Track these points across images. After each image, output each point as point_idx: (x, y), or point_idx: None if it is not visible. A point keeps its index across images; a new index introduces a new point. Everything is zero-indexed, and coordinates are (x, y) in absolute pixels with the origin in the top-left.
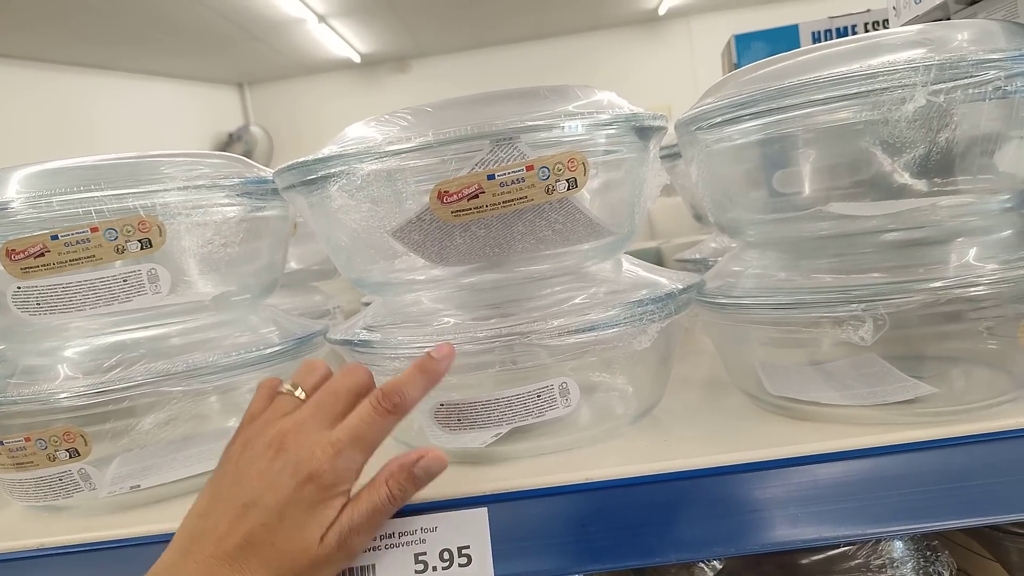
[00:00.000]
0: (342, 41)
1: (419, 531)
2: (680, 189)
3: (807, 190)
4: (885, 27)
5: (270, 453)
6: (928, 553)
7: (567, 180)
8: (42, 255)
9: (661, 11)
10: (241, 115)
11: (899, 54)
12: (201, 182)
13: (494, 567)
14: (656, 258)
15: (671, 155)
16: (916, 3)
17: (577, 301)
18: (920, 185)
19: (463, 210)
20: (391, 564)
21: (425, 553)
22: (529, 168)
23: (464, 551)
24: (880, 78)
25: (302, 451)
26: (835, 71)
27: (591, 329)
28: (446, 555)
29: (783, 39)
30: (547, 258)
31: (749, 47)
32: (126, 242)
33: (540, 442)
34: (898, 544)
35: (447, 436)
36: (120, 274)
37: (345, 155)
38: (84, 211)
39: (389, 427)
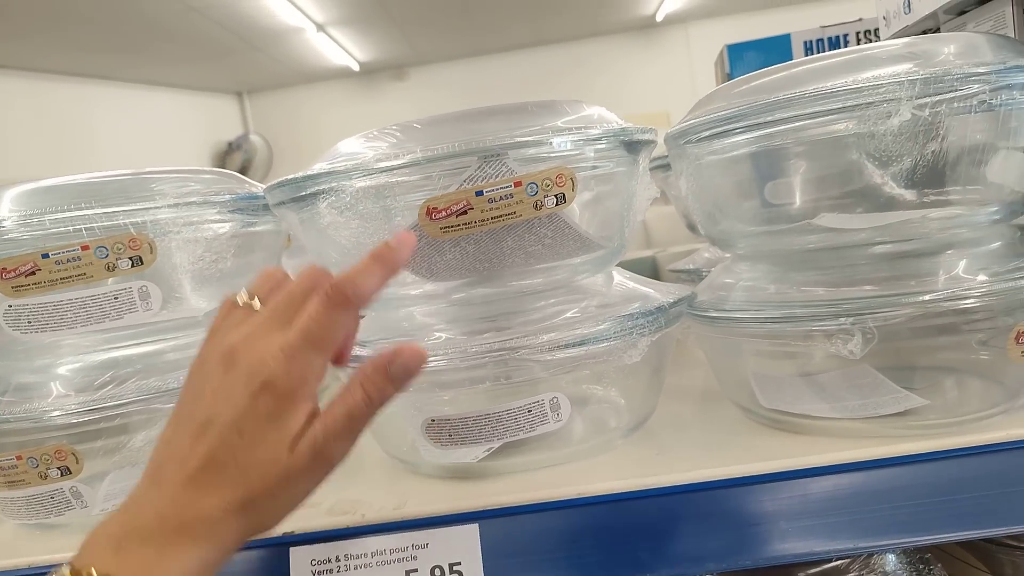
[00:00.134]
0: (341, 50)
1: (410, 547)
2: (673, 199)
3: (796, 203)
4: (877, 36)
5: (221, 368)
6: (921, 566)
7: (555, 196)
8: (33, 273)
9: (659, 17)
10: (240, 124)
11: (886, 68)
12: (192, 199)
13: None
14: (652, 267)
15: (663, 166)
16: (906, 13)
17: (568, 315)
18: (909, 197)
19: (452, 226)
20: None
21: (416, 570)
22: (517, 184)
23: (455, 568)
24: (865, 93)
25: (253, 360)
26: (821, 86)
27: (582, 344)
28: (437, 572)
29: (776, 49)
30: (538, 272)
31: (742, 57)
32: (117, 260)
33: (532, 456)
34: (891, 558)
35: (438, 451)
36: (111, 292)
37: (334, 172)
38: (75, 229)
39: (345, 323)
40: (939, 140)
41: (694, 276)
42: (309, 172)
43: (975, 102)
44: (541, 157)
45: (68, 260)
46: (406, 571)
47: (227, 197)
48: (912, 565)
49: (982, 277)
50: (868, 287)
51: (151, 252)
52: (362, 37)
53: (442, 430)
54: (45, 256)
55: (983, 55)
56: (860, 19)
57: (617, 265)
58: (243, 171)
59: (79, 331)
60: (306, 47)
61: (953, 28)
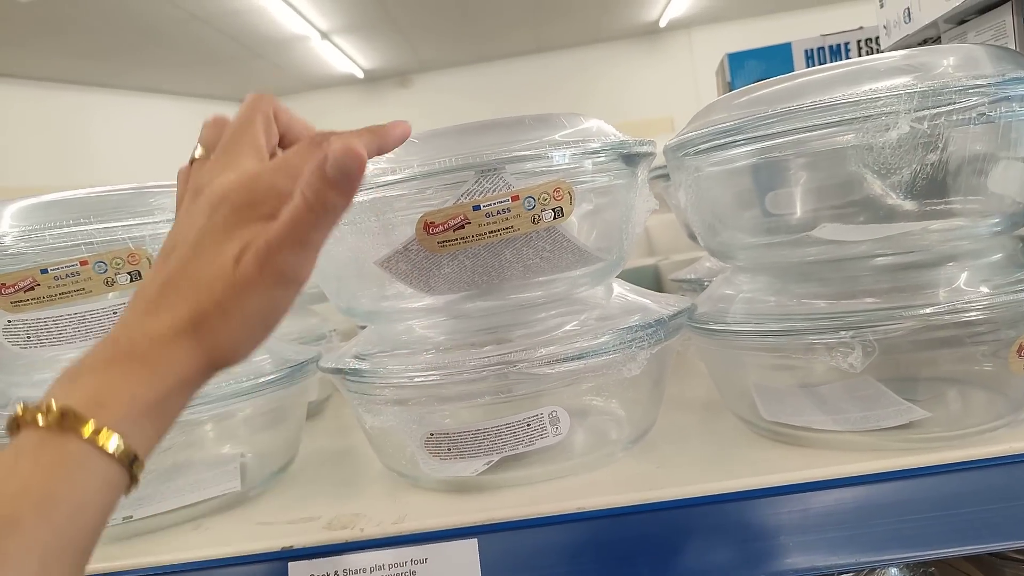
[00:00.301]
0: (345, 57)
1: (409, 563)
2: (674, 209)
3: (796, 216)
4: (877, 44)
5: (188, 200)
6: None
7: (553, 210)
8: (32, 289)
9: (662, 23)
10: None
11: (885, 81)
12: None
13: None
14: (654, 276)
15: (663, 175)
16: (906, 23)
17: (568, 328)
18: (909, 209)
19: (449, 240)
20: None
21: None
22: (514, 198)
23: None
24: (864, 105)
25: (214, 183)
26: (820, 99)
27: (581, 357)
28: None
29: (776, 57)
30: (537, 285)
31: (743, 65)
32: (116, 275)
33: (532, 470)
34: (893, 572)
35: (438, 465)
36: (110, 307)
37: None
38: (73, 244)
39: (315, 159)
40: (939, 152)
41: (696, 286)
42: None
43: (974, 114)
44: (539, 171)
45: (67, 275)
46: None
47: None
48: None
49: (984, 289)
50: (869, 299)
51: (150, 267)
52: (366, 44)
53: (441, 444)
54: (44, 271)
55: (982, 67)
56: (861, 27)
57: (618, 276)
58: None
59: (79, 346)
60: (311, 55)
61: (954, 37)
